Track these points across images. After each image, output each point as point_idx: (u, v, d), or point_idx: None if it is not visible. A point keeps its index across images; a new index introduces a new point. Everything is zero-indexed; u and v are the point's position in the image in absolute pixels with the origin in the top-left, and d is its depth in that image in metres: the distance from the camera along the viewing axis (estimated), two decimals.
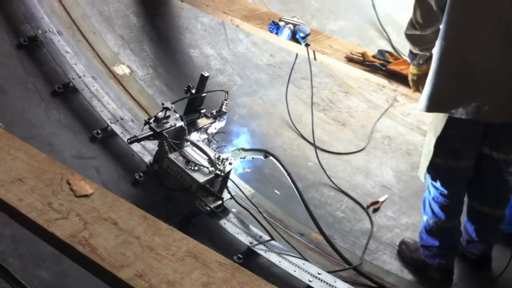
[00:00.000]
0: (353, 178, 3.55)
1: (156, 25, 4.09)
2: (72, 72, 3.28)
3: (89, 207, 1.58)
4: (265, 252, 2.62)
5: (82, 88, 3.23)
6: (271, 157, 2.84)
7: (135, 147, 2.99)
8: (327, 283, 2.49)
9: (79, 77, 3.27)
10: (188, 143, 2.80)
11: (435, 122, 2.54)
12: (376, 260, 2.93)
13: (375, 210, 3.29)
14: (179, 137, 2.78)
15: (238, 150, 2.90)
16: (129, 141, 2.67)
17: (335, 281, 2.52)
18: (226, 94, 3.02)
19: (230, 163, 2.78)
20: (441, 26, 2.32)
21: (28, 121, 3.01)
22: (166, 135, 2.69)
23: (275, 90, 4.15)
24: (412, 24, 2.49)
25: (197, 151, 2.78)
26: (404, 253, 2.95)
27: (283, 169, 2.79)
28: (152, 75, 3.78)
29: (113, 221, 1.54)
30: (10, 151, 1.74)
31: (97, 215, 1.56)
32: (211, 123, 2.97)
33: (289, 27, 3.31)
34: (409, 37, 2.56)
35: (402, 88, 2.96)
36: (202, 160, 2.73)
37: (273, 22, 3.37)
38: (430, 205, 2.69)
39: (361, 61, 3.15)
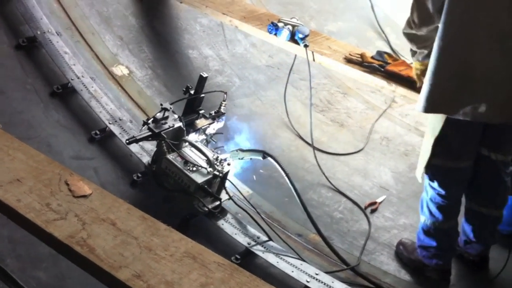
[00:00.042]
0: (351, 179, 3.56)
1: (155, 26, 4.09)
2: (71, 73, 3.27)
3: (87, 208, 1.58)
4: (263, 253, 2.63)
5: (80, 89, 3.23)
6: (269, 158, 2.84)
7: (134, 147, 2.99)
8: (324, 284, 2.50)
9: (78, 78, 3.27)
10: (187, 143, 2.81)
11: (433, 122, 2.54)
12: (374, 260, 2.94)
13: (373, 211, 3.30)
14: (177, 138, 2.78)
15: (237, 151, 2.90)
16: (127, 141, 2.67)
17: (332, 282, 2.52)
18: (225, 95, 3.02)
19: (228, 164, 2.78)
20: (439, 26, 2.33)
21: (26, 121, 3.01)
22: (165, 136, 2.70)
23: (273, 91, 4.15)
24: (409, 23, 2.53)
25: (195, 152, 2.78)
26: (402, 253, 2.95)
27: (281, 170, 2.80)
28: (151, 76, 3.78)
29: (111, 221, 1.55)
30: (8, 152, 1.74)
31: (95, 215, 1.56)
32: (210, 123, 2.97)
33: (288, 28, 3.31)
34: (407, 35, 2.60)
35: (400, 89, 2.97)
36: (201, 161, 2.73)
37: (272, 23, 3.37)
38: (427, 206, 2.69)
39: (360, 62, 3.15)
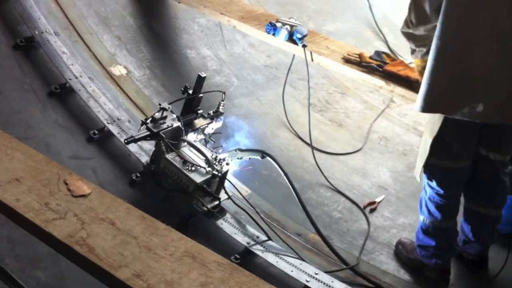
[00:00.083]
0: (350, 178, 3.56)
1: (153, 26, 4.09)
2: (69, 73, 3.27)
3: (86, 207, 1.58)
4: (262, 252, 2.62)
5: (78, 89, 3.22)
6: (268, 158, 2.84)
7: (132, 147, 2.99)
8: (324, 283, 2.50)
9: (76, 78, 3.27)
10: (185, 143, 2.80)
11: (432, 122, 2.55)
12: (373, 260, 2.94)
13: (372, 211, 3.30)
14: (176, 138, 2.78)
15: (235, 151, 2.90)
16: (126, 141, 2.67)
17: (332, 281, 2.52)
18: (223, 95, 3.02)
19: (227, 164, 2.78)
20: (437, 26, 2.33)
21: (24, 121, 3.00)
22: (163, 136, 2.69)
23: (272, 91, 4.15)
24: (406, 23, 2.54)
25: (194, 152, 2.78)
26: (401, 253, 2.95)
27: (280, 170, 2.80)
28: (149, 76, 3.78)
29: (110, 221, 1.54)
30: (7, 151, 1.74)
31: (94, 215, 1.56)
32: (208, 123, 2.97)
33: (286, 28, 3.31)
34: (405, 34, 2.61)
35: (399, 89, 2.97)
36: (199, 161, 2.73)
37: (270, 23, 3.37)
38: (426, 205, 2.70)
39: (358, 62, 3.15)
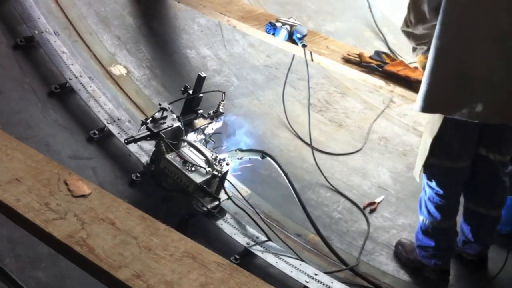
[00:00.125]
0: (350, 179, 3.56)
1: (152, 26, 4.09)
2: (69, 73, 3.27)
3: (86, 207, 1.58)
4: (262, 253, 2.62)
5: (78, 89, 3.22)
6: (268, 158, 2.84)
7: (132, 147, 2.99)
8: (324, 284, 2.50)
9: (76, 78, 3.26)
10: (185, 143, 2.80)
11: (431, 122, 2.55)
12: (373, 261, 2.94)
13: (372, 211, 3.30)
14: (176, 138, 2.78)
15: (235, 151, 2.90)
16: (126, 141, 2.67)
17: (331, 282, 2.52)
18: (223, 95, 3.02)
19: (227, 164, 2.78)
20: (437, 26, 2.33)
21: (24, 121, 3.00)
22: (163, 136, 2.69)
23: (271, 91, 4.15)
24: (406, 22, 2.56)
25: (194, 152, 2.78)
26: (401, 253, 2.95)
27: (280, 170, 2.80)
28: (149, 76, 3.78)
29: (110, 221, 1.54)
30: (7, 151, 1.73)
31: (94, 215, 1.55)
32: (208, 123, 2.97)
33: (286, 28, 3.31)
34: (404, 33, 2.63)
35: (398, 89, 2.97)
36: (199, 161, 2.72)
37: (270, 23, 3.37)
38: (426, 205, 2.69)
39: (358, 62, 3.15)
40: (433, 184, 2.62)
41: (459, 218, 2.79)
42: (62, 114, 3.16)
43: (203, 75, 2.89)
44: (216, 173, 2.69)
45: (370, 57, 3.17)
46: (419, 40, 2.59)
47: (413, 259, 2.86)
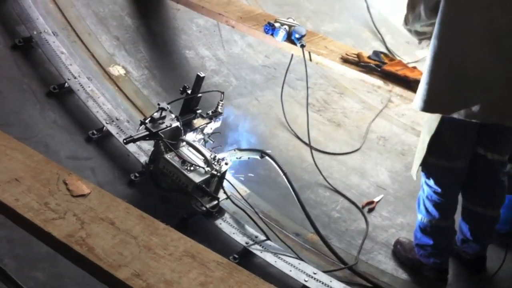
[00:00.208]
0: (348, 178, 3.56)
1: (151, 27, 4.09)
2: (67, 73, 3.27)
3: (86, 207, 1.58)
4: (261, 252, 2.63)
5: (77, 89, 3.22)
6: (267, 158, 2.84)
7: (131, 147, 2.99)
8: (322, 283, 2.50)
9: (75, 78, 3.26)
10: (184, 143, 2.81)
11: (429, 121, 2.55)
12: (372, 259, 2.94)
13: (370, 210, 3.30)
14: (175, 138, 2.78)
15: (234, 150, 2.91)
16: (124, 141, 2.67)
17: (330, 281, 2.52)
18: (222, 95, 3.02)
19: (226, 163, 2.78)
20: (435, 25, 2.34)
21: (23, 122, 3.00)
22: (162, 136, 2.69)
23: (270, 91, 4.16)
24: (405, 19, 2.59)
25: (193, 152, 2.78)
26: (399, 252, 2.96)
27: (279, 169, 2.80)
28: (148, 76, 3.78)
29: (110, 221, 1.55)
30: (6, 151, 1.74)
31: (94, 215, 1.56)
32: (207, 123, 2.97)
33: (285, 28, 3.32)
34: (406, 29, 2.66)
35: (397, 89, 2.98)
36: (198, 161, 2.73)
37: (269, 23, 3.37)
38: (424, 204, 2.70)
39: (357, 62, 3.16)
40: (431, 182, 2.63)
41: (458, 217, 2.80)
42: (60, 114, 3.16)
43: (202, 75, 2.89)
44: (215, 172, 2.69)
45: (369, 57, 3.18)
46: (420, 36, 2.62)
47: (412, 258, 2.87)
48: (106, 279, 1.41)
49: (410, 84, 2.91)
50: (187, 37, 4.21)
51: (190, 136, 2.89)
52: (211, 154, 2.78)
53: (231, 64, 4.24)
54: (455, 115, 2.37)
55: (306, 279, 2.51)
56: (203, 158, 2.73)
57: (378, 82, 3.05)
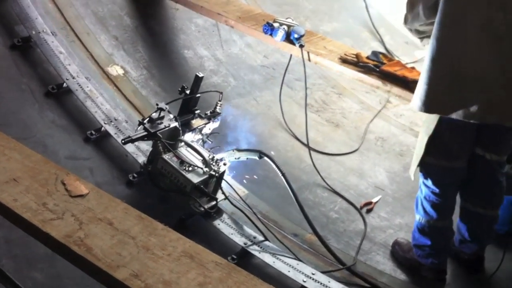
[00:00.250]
0: (347, 179, 3.56)
1: (150, 27, 4.09)
2: (66, 73, 3.26)
3: (84, 207, 1.58)
4: (259, 253, 2.63)
5: (76, 89, 3.22)
6: (265, 158, 2.84)
7: (129, 147, 2.99)
8: (321, 283, 2.50)
9: (73, 78, 3.26)
10: (183, 143, 2.80)
11: (428, 121, 2.56)
12: (370, 260, 2.94)
13: (369, 211, 3.31)
14: (173, 138, 2.78)
15: (233, 151, 2.91)
16: (123, 141, 2.66)
17: (329, 281, 2.52)
18: (220, 95, 3.02)
19: (224, 164, 2.78)
20: (434, 25, 2.34)
21: (22, 122, 3.00)
22: (160, 136, 2.69)
23: (269, 91, 4.16)
24: (404, 19, 2.61)
25: (191, 152, 2.78)
26: (398, 253, 2.96)
27: (277, 170, 2.80)
28: (146, 76, 3.78)
29: (108, 221, 1.54)
30: (4, 152, 1.73)
31: (92, 215, 1.56)
32: (206, 123, 2.97)
33: (284, 28, 3.32)
34: (406, 28, 2.68)
35: (395, 89, 2.98)
36: (197, 161, 2.73)
37: (268, 23, 3.37)
38: (422, 204, 2.70)
39: (355, 62, 3.16)
40: (429, 182, 2.63)
41: (456, 217, 2.80)
42: (59, 114, 3.16)
43: (201, 75, 2.89)
44: (213, 173, 2.69)
45: (367, 57, 3.18)
46: (420, 35, 2.64)
47: (410, 258, 2.87)
48: (104, 279, 1.41)
49: (408, 85, 2.91)
50: (186, 37, 4.21)
51: (188, 137, 2.88)
52: (210, 155, 2.77)
53: (229, 64, 4.24)
54: (454, 116, 2.37)
55: (305, 280, 2.51)
56: (202, 158, 2.73)
57: (376, 82, 3.05)
